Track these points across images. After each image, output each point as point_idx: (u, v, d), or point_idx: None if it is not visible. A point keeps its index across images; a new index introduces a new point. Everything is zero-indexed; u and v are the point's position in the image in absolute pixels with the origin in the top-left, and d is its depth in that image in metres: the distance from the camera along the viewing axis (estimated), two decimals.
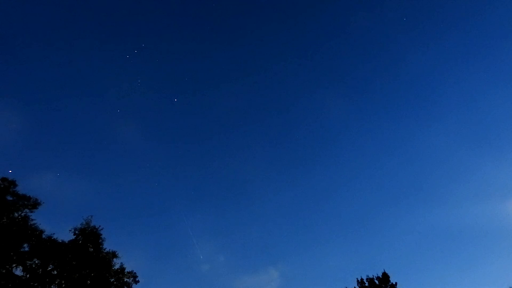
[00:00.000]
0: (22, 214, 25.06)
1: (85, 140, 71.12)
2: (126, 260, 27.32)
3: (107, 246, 27.18)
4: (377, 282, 27.49)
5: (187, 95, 79.49)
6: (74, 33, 71.07)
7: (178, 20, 79.50)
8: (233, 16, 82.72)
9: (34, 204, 25.38)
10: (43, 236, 25.32)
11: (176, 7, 77.17)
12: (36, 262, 24.69)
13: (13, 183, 25.09)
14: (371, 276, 27.85)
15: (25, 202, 25.15)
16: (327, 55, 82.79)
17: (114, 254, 27.09)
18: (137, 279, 26.93)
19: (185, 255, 64.12)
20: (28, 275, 24.21)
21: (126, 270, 26.97)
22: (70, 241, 26.08)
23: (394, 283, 27.25)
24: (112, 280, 26.41)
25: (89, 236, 26.53)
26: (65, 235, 26.32)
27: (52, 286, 24.64)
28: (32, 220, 25.22)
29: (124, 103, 77.38)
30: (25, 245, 24.77)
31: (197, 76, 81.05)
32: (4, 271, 23.55)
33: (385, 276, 27.53)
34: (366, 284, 27.71)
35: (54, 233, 25.86)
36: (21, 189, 25.33)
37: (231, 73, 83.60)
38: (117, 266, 26.88)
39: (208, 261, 65.60)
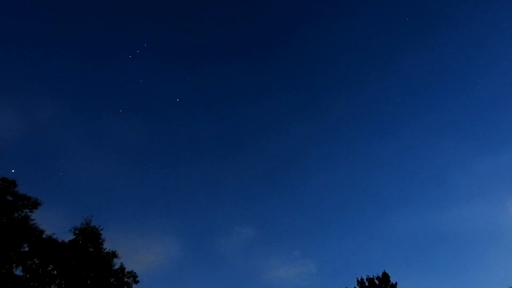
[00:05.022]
0: (22, 214, 25.02)
1: (86, 139, 71.15)
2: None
3: (107, 246, 27.27)
4: (377, 282, 27.44)
5: (188, 95, 79.63)
6: (75, 33, 71.19)
7: (180, 21, 79.63)
8: (233, 16, 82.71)
9: (34, 204, 25.34)
10: (43, 236, 25.30)
11: (178, 7, 77.24)
12: (36, 262, 24.65)
13: (13, 183, 25.03)
14: (371, 276, 27.80)
15: (25, 202, 25.10)
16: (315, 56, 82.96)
17: (114, 254, 27.10)
18: (137, 279, 26.96)
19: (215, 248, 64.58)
20: (28, 275, 24.19)
21: (126, 270, 26.98)
22: (70, 241, 26.06)
23: (394, 283, 27.20)
24: (112, 280, 26.41)
25: (89, 236, 26.51)
26: (65, 235, 26.38)
27: (52, 286, 24.63)
28: (32, 220, 25.22)
29: (126, 103, 77.58)
30: (25, 245, 24.73)
31: (199, 76, 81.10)
32: (4, 271, 23.54)
33: (385, 276, 27.48)
34: (366, 284, 27.65)
35: (54, 233, 25.90)
36: (21, 189, 25.36)
37: (232, 73, 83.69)
38: (117, 266, 26.91)
39: (242, 251, 66.38)
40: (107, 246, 27.19)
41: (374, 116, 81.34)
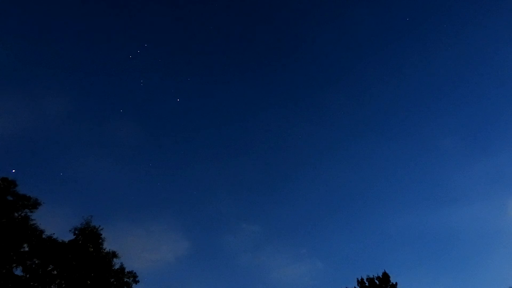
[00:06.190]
0: (22, 214, 25.04)
1: (86, 139, 71.13)
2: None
3: (110, 245, 27.34)
4: (377, 282, 27.43)
5: (189, 95, 79.58)
6: (76, 33, 71.22)
7: (181, 21, 79.61)
8: (235, 16, 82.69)
9: (34, 204, 25.36)
10: (43, 236, 25.32)
11: (179, 7, 77.30)
12: (36, 262, 24.66)
13: (13, 183, 25.06)
14: (371, 276, 27.79)
15: (25, 202, 25.11)
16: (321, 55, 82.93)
17: (114, 254, 27.13)
18: (137, 279, 26.97)
19: (221, 246, 64.94)
20: (28, 275, 24.20)
21: (126, 270, 26.99)
22: (70, 241, 26.08)
23: (394, 283, 27.20)
24: (112, 280, 26.42)
25: (89, 236, 26.53)
26: (65, 235, 26.39)
27: (52, 286, 24.63)
28: (32, 220, 25.23)
29: (126, 103, 77.54)
30: (25, 245, 24.73)
31: (199, 77, 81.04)
32: (4, 271, 23.55)
33: (385, 276, 27.47)
34: (366, 284, 27.65)
35: (54, 233, 25.92)
36: (21, 189, 25.37)
37: (232, 72, 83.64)
38: (117, 266, 26.94)
39: (249, 250, 66.61)
40: (110, 246, 27.35)
41: (378, 119, 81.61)
